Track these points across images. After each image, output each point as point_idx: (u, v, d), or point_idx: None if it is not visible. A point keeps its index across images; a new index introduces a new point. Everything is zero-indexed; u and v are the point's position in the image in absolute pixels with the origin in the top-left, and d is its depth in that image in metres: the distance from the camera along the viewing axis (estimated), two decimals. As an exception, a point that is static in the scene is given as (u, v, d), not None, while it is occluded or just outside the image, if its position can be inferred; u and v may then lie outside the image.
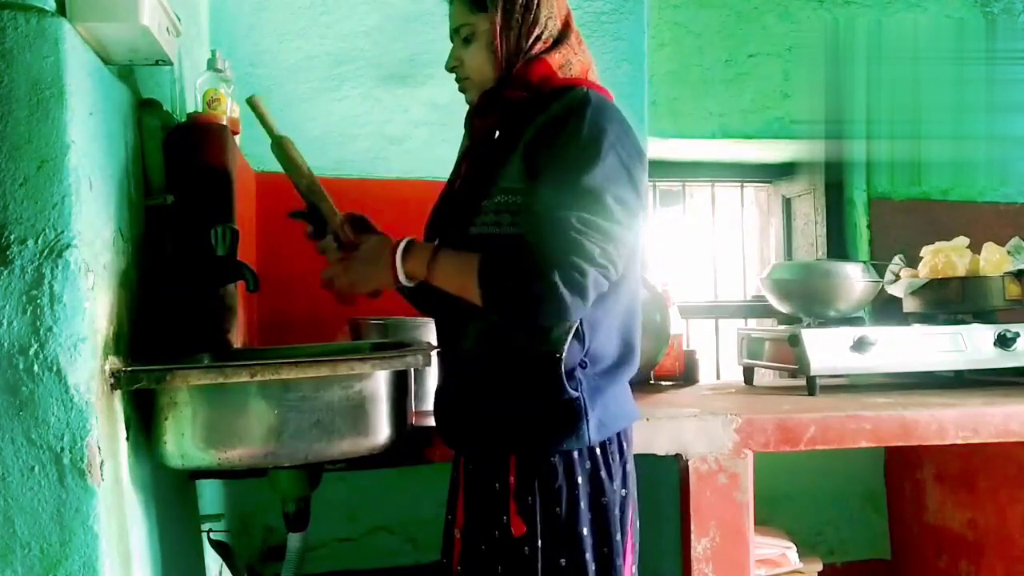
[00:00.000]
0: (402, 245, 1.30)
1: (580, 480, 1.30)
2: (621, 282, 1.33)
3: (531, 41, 1.33)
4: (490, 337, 1.32)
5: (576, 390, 1.29)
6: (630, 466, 1.38)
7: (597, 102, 1.29)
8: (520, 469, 1.29)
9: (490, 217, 1.29)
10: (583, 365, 1.30)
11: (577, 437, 1.28)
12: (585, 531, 1.29)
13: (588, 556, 1.29)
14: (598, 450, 1.31)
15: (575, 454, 1.29)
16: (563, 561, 1.28)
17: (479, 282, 1.23)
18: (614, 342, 1.35)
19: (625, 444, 1.37)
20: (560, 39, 1.35)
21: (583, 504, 1.29)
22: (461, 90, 1.42)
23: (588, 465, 1.31)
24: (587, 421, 1.29)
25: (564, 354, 1.28)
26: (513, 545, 1.29)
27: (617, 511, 1.33)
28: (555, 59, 1.33)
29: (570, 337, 1.28)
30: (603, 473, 1.31)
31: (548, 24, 1.34)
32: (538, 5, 1.33)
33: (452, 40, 1.40)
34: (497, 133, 1.37)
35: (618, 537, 1.32)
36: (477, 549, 1.34)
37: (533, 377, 1.29)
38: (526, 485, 1.29)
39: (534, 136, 1.28)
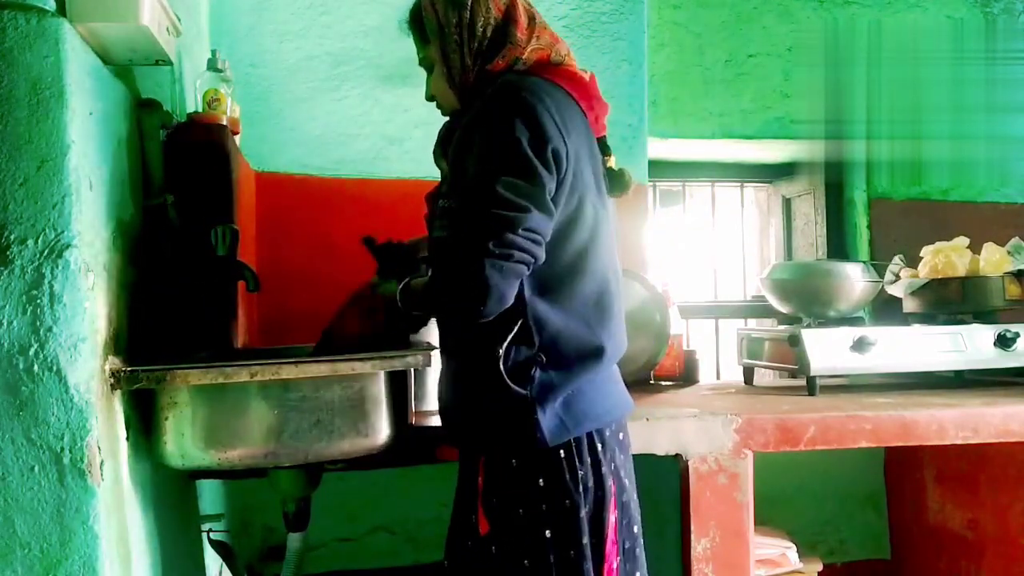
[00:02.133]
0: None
1: (541, 482, 1.28)
2: (573, 275, 1.31)
3: (475, 55, 1.35)
4: (447, 337, 1.35)
5: (524, 388, 1.27)
6: (610, 467, 1.34)
7: (505, 90, 1.29)
8: (487, 470, 1.31)
9: (439, 221, 1.34)
10: (539, 361, 1.28)
11: (531, 439, 1.27)
12: (548, 534, 1.27)
13: (551, 559, 1.27)
14: (561, 452, 1.28)
15: (536, 456, 1.28)
16: (526, 562, 1.28)
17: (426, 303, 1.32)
18: (577, 337, 1.31)
19: (600, 445, 1.32)
20: (501, 40, 1.34)
21: (544, 506, 1.28)
22: (444, 115, 1.46)
23: (549, 467, 1.28)
24: (539, 426, 1.26)
25: (502, 350, 1.27)
26: (481, 544, 1.31)
27: (584, 513, 1.29)
28: (497, 65, 1.34)
29: (512, 333, 1.27)
30: (567, 476, 1.28)
31: (486, 31, 1.34)
32: (471, 19, 1.33)
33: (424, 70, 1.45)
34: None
35: (586, 540, 1.29)
36: (464, 547, 1.36)
37: (482, 376, 1.29)
38: (491, 486, 1.30)
39: (458, 138, 1.32)
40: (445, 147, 1.42)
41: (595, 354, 1.33)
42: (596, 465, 1.32)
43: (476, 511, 1.31)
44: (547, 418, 1.27)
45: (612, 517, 1.33)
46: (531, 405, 1.27)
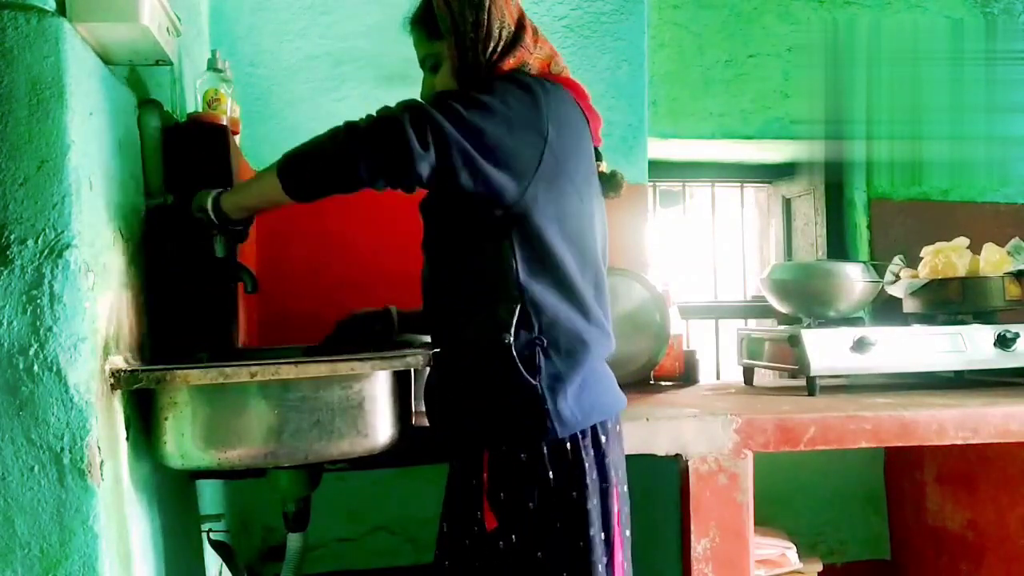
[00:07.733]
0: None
1: (551, 475, 1.29)
2: (565, 263, 1.33)
3: (488, 54, 1.35)
4: (446, 330, 1.34)
5: (534, 378, 1.28)
6: (612, 458, 1.36)
7: (512, 75, 1.33)
8: (492, 465, 1.30)
9: None
10: (540, 344, 1.29)
11: (542, 432, 1.28)
12: (558, 525, 1.29)
13: (562, 551, 1.29)
14: (568, 444, 1.30)
15: (544, 449, 1.29)
16: (540, 555, 1.29)
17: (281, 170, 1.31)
18: (573, 323, 1.33)
19: (604, 436, 1.34)
20: (514, 42, 1.36)
21: (554, 499, 1.29)
22: None
23: (557, 460, 1.30)
24: (550, 416, 1.28)
25: (511, 337, 1.28)
26: (488, 540, 1.30)
27: (593, 504, 1.31)
28: (508, 63, 1.35)
29: (515, 318, 1.28)
30: (575, 469, 1.30)
31: (502, 33, 1.35)
32: (488, 18, 1.34)
33: (423, 70, 1.43)
34: None
35: (593, 532, 1.30)
36: (462, 544, 1.35)
37: (491, 367, 1.30)
38: (498, 481, 1.30)
39: None
40: None
41: (591, 343, 1.35)
42: (600, 457, 1.34)
43: (481, 507, 1.30)
44: (557, 410, 1.28)
45: (616, 507, 1.36)
46: (541, 397, 1.28)
